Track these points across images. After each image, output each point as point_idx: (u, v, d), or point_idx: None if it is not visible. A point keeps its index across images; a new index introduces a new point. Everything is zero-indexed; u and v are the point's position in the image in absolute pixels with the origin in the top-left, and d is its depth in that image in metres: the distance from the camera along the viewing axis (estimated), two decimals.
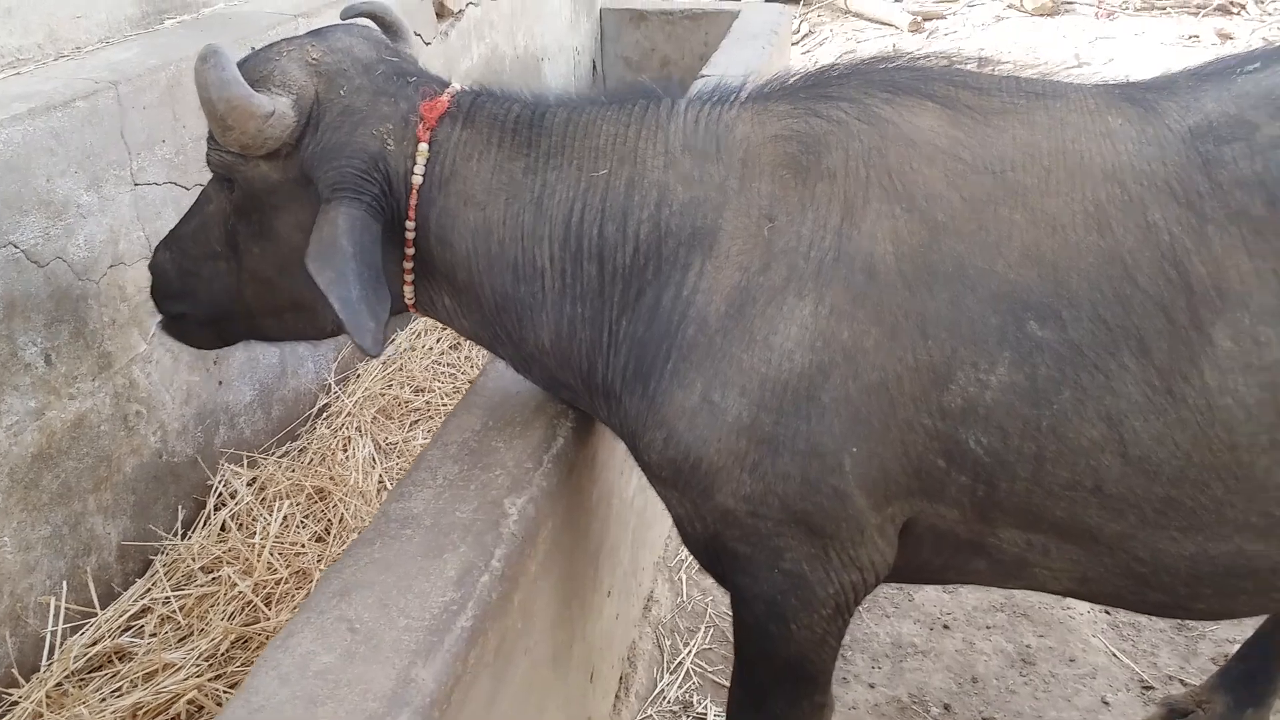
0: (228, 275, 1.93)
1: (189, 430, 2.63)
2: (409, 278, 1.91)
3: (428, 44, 3.82)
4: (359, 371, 3.40)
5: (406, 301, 1.96)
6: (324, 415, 3.21)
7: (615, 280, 1.85)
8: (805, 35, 10.46)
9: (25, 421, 2.08)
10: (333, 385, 3.29)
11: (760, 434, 1.77)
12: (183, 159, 2.33)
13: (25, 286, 2.05)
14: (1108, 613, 3.31)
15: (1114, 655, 3.11)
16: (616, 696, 2.84)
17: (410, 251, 1.88)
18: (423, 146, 1.81)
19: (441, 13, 3.95)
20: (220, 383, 2.74)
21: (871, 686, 3.01)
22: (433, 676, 1.44)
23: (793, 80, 1.87)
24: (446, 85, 1.91)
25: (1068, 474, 1.75)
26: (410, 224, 1.84)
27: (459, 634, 1.52)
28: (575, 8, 5.58)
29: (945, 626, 3.22)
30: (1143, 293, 1.66)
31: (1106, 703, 2.94)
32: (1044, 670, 3.05)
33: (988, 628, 3.21)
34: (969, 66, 1.89)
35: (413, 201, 1.82)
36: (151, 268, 1.97)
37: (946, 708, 2.93)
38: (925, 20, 10.04)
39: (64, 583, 2.25)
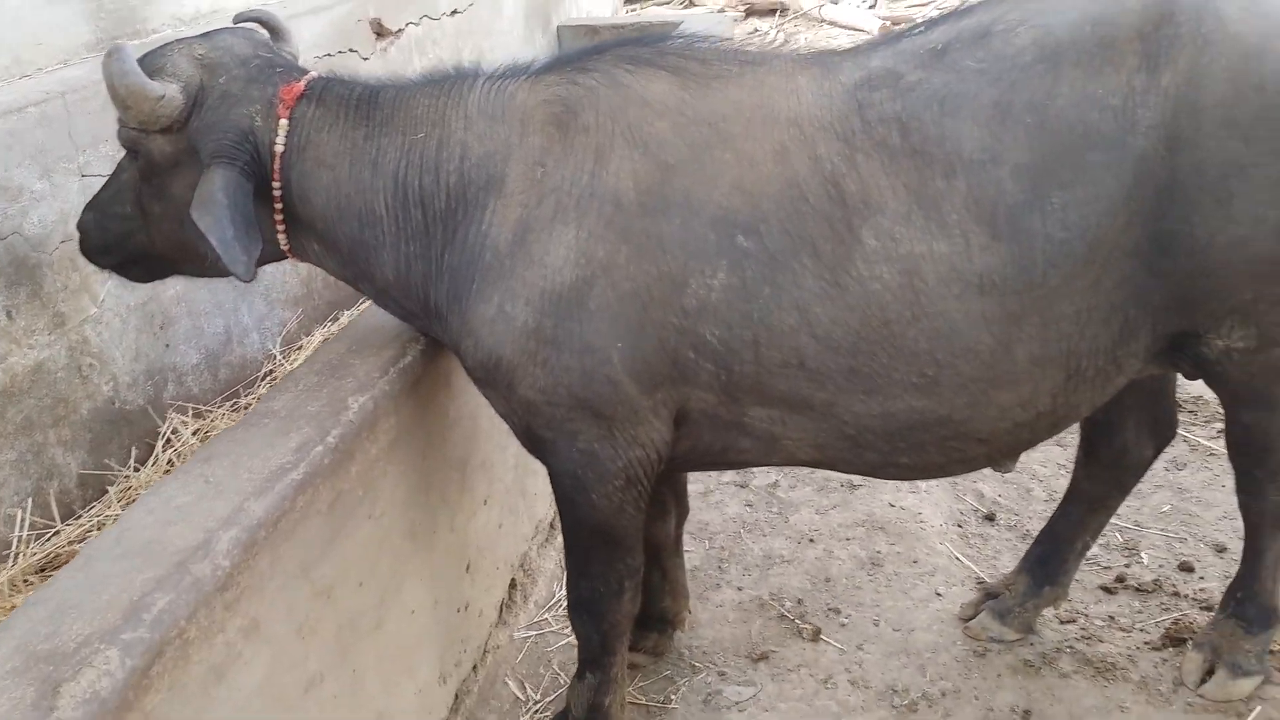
0: (139, 229, 2.46)
1: (139, 383, 3.17)
2: (281, 229, 2.43)
3: (365, 59, 4.35)
4: (301, 344, 3.93)
5: (284, 249, 2.48)
6: (269, 378, 3.74)
7: (436, 222, 2.35)
8: (781, 45, 10.93)
9: None
10: (277, 355, 3.82)
11: (544, 335, 2.26)
12: (122, 154, 2.87)
13: None
14: (959, 525, 3.74)
15: (956, 559, 3.54)
16: (509, 598, 3.33)
17: (279, 207, 2.39)
18: (283, 122, 2.32)
19: (381, 32, 4.48)
20: (167, 345, 3.27)
21: (739, 589, 3.48)
22: (261, 508, 1.95)
23: (563, 58, 2.38)
24: (306, 74, 2.42)
25: (779, 354, 2.22)
26: (276, 184, 2.35)
27: (289, 483, 2.03)
28: (529, 24, 6.11)
29: (810, 540, 3.68)
30: (812, 208, 2.14)
31: (939, 594, 3.38)
32: (889, 570, 3.50)
33: (847, 539, 3.66)
34: (702, 44, 2.38)
35: (277, 166, 2.33)
36: (79, 226, 2.51)
37: (799, 602, 3.38)
38: (895, 25, 10.47)
39: (30, 500, 2.79)
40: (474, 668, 3.06)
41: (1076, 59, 2.08)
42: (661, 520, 3.03)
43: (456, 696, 2.90)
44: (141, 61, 2.28)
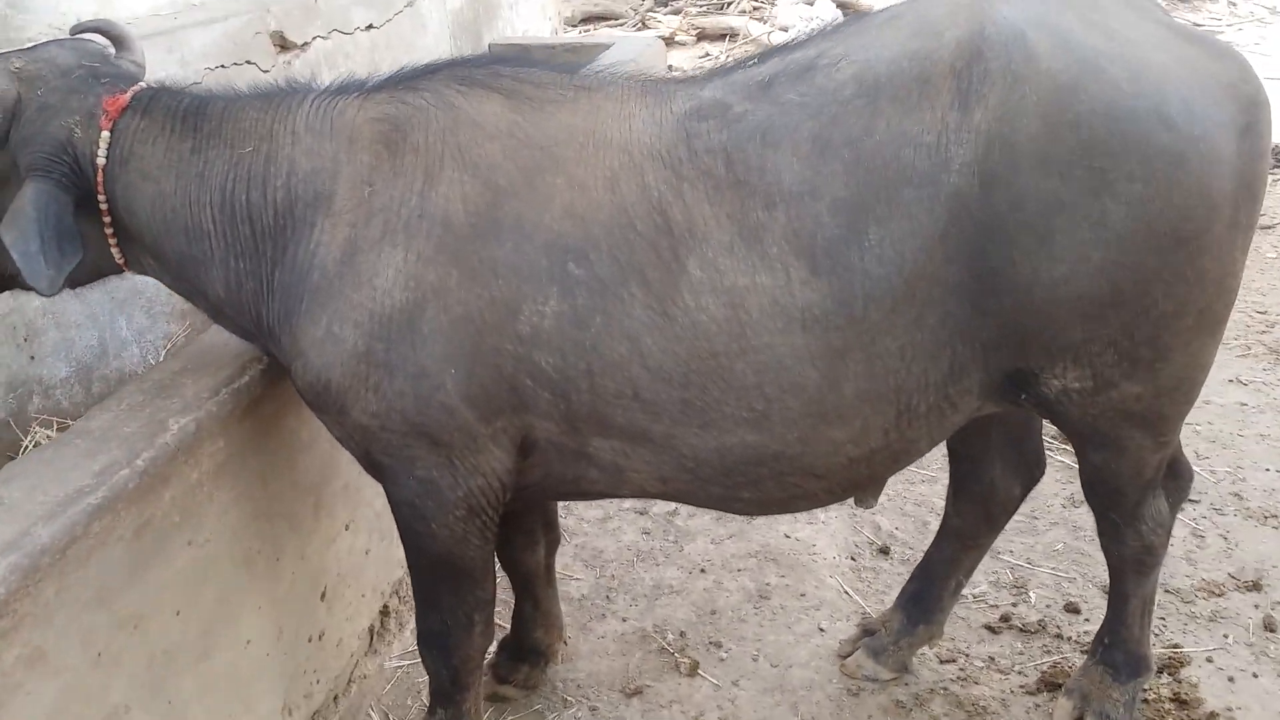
0: None
1: (0, 397, 3.07)
2: (113, 242, 2.34)
3: (265, 73, 4.27)
4: None
5: (119, 262, 2.39)
6: None
7: (265, 238, 2.28)
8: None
9: None
10: None
11: (375, 359, 2.18)
12: None
13: None
14: (853, 558, 3.68)
15: (845, 593, 3.48)
16: (381, 625, 3.23)
17: (107, 220, 2.30)
18: (105, 134, 2.24)
19: (284, 45, 4.41)
20: (32, 358, 3.17)
21: (624, 620, 3.40)
22: (49, 533, 1.86)
23: (395, 76, 2.31)
24: (135, 84, 2.35)
25: (613, 384, 2.16)
26: (101, 197, 2.27)
27: (84, 507, 1.94)
28: (456, 42, 6.06)
29: (702, 570, 3.61)
30: (640, 236, 2.08)
31: (822, 629, 3.31)
32: (775, 603, 3.43)
33: (738, 570, 3.59)
34: (537, 68, 2.32)
35: (99, 179, 2.25)
36: None
37: (682, 634, 3.31)
38: None
39: None
40: (335, 698, 2.97)
41: (894, 95, 2.03)
42: (530, 549, 2.96)
43: None
44: None
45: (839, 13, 11.03)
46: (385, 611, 3.25)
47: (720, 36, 11.07)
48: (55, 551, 1.87)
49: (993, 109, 1.97)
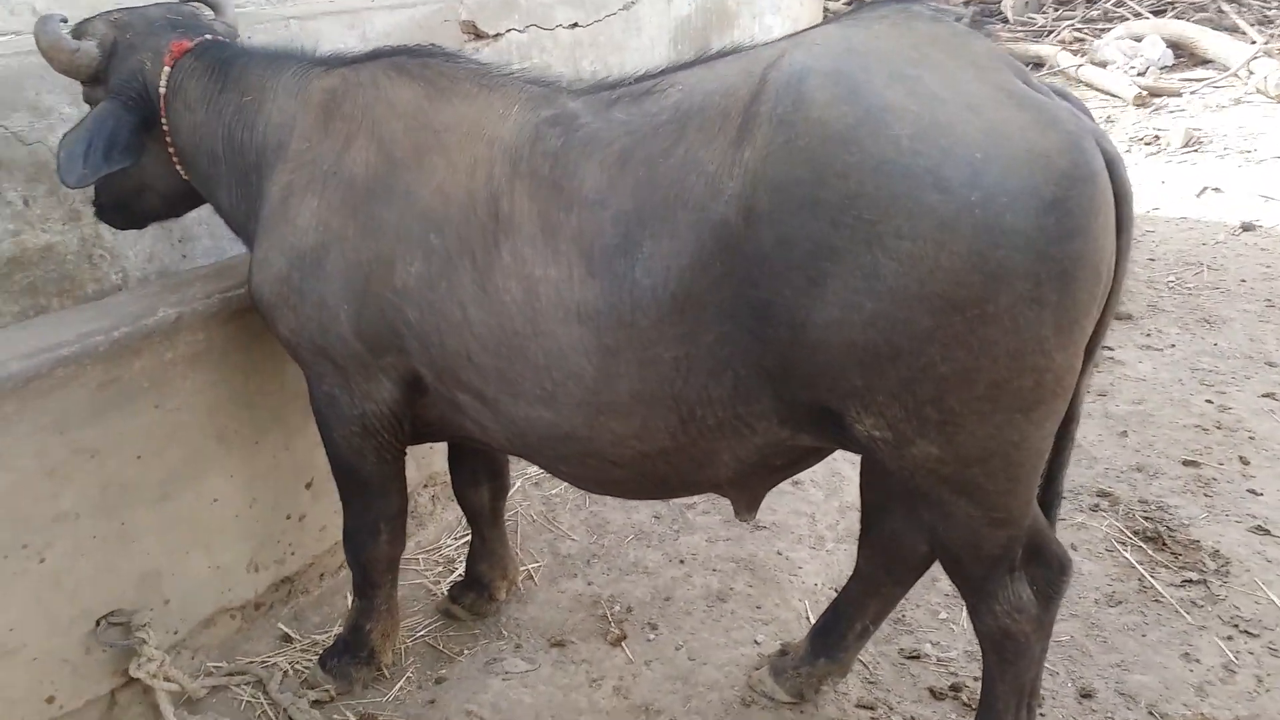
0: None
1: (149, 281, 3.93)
2: (175, 160, 2.99)
3: None
4: None
5: (184, 177, 3.03)
6: None
7: (250, 171, 2.82)
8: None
9: (4, 237, 3.44)
10: None
11: (293, 285, 2.65)
12: None
13: (13, 155, 3.41)
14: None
15: (805, 618, 3.47)
16: None
17: (169, 140, 2.95)
18: (166, 69, 2.86)
19: (476, 34, 5.00)
20: (184, 256, 4.02)
21: (589, 584, 3.66)
22: (17, 367, 2.53)
23: (354, 56, 2.74)
24: (208, 35, 2.96)
25: (454, 344, 2.46)
26: (163, 120, 2.91)
27: (54, 356, 2.60)
28: (677, 48, 6.36)
29: (681, 561, 3.76)
30: (477, 219, 2.36)
31: (758, 643, 3.36)
32: (729, 608, 3.51)
33: (714, 570, 3.70)
34: (464, 64, 2.64)
35: (162, 105, 2.89)
36: None
37: (629, 610, 3.50)
38: (1153, 96, 9.56)
39: None
40: (320, 576, 3.52)
41: (700, 124, 2.11)
42: (474, 488, 3.32)
43: (277, 590, 3.38)
44: (73, 27, 2.92)
45: (1167, 51, 10.00)
46: None
47: (1026, 64, 10.42)
48: (19, 380, 2.53)
49: (758, 149, 2.00)
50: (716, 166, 2.05)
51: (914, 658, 3.28)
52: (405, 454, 2.91)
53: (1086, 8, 12.52)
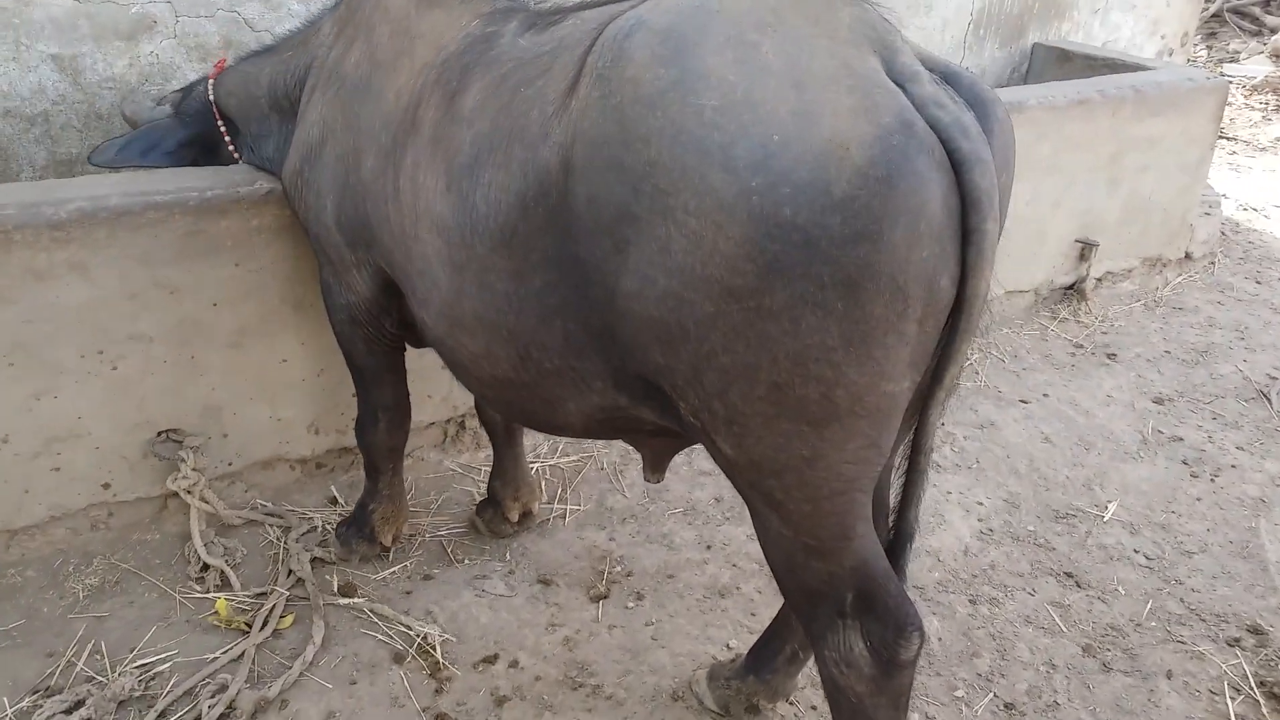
0: None
1: None
2: (226, 138, 3.40)
3: None
4: None
5: (236, 157, 3.42)
6: None
7: (292, 112, 3.12)
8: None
9: None
10: None
11: (302, 176, 2.93)
12: None
13: (241, 37, 4.00)
14: None
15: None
16: (455, 434, 4.01)
17: (221, 127, 3.38)
18: (210, 82, 3.36)
19: None
20: None
21: (611, 539, 3.65)
22: (115, 202, 3.03)
23: None
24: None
25: (386, 240, 2.57)
26: (218, 120, 3.37)
27: (148, 200, 3.07)
28: (980, 35, 5.89)
29: (709, 547, 3.64)
30: (406, 121, 2.48)
31: (730, 647, 3.19)
32: (722, 604, 3.38)
33: (735, 566, 3.55)
34: None
35: (214, 109, 3.36)
36: None
37: (630, 574, 3.47)
38: None
39: None
40: None
41: (565, 60, 2.02)
42: (483, 407, 3.47)
43: (339, 456, 3.75)
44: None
45: None
46: (461, 425, 3.99)
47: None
48: (113, 212, 3.03)
49: (580, 100, 1.89)
50: (552, 110, 1.99)
51: None
52: (401, 349, 3.09)
53: None
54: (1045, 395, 4.77)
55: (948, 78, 1.82)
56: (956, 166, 1.69)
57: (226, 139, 3.40)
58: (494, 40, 2.33)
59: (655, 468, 2.57)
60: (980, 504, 3.99)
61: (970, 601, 3.47)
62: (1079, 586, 3.58)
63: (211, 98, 3.38)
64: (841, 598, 2.06)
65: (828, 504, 1.92)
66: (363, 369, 3.12)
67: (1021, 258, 5.15)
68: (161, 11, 3.83)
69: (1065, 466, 4.25)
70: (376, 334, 2.98)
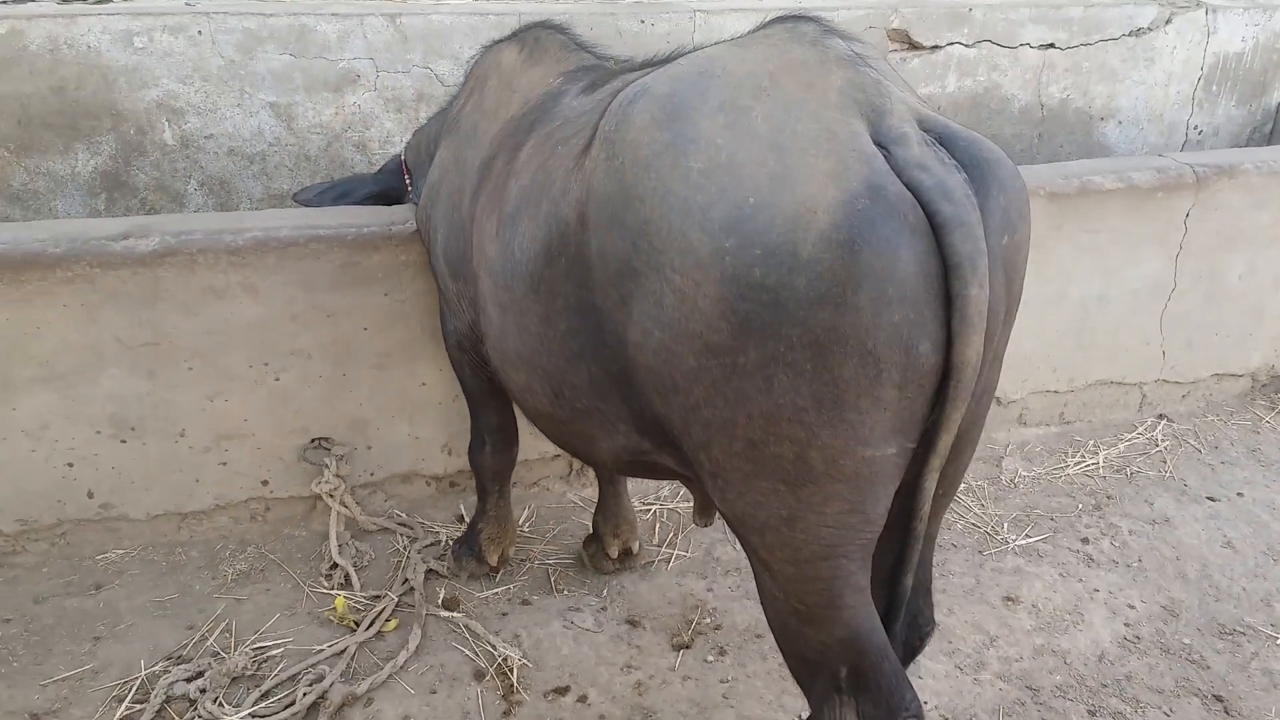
0: None
1: None
2: (409, 188, 3.74)
3: None
4: None
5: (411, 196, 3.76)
6: None
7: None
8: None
9: None
10: None
11: (426, 213, 3.23)
12: None
13: (432, 91, 4.42)
14: (941, 713, 3.14)
15: None
16: (581, 466, 4.15)
17: (407, 180, 3.72)
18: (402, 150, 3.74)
19: (910, 44, 4.86)
20: None
21: (709, 590, 3.66)
22: (285, 234, 3.46)
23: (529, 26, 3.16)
24: None
25: (472, 266, 2.77)
26: (407, 178, 3.72)
27: (312, 234, 3.47)
28: (1213, 91, 5.38)
29: (749, 597, 3.55)
30: (484, 166, 2.70)
31: (800, 718, 3.10)
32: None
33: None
34: (564, 37, 2.94)
35: (405, 169, 3.71)
36: None
37: (717, 627, 3.47)
38: None
39: None
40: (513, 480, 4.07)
41: (590, 121, 2.16)
42: None
43: (469, 475, 4.02)
44: None
45: None
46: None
47: None
48: (283, 242, 3.45)
49: (591, 160, 2.01)
50: (572, 166, 2.12)
51: None
52: None
53: None
54: (1239, 494, 4.25)
55: (943, 139, 1.78)
56: (936, 230, 1.66)
57: (409, 187, 3.76)
58: (559, 98, 2.51)
59: (702, 511, 2.61)
60: (1132, 607, 3.64)
61: (1089, 713, 3.17)
62: (1227, 714, 3.18)
63: (404, 157, 3.79)
64: (835, 671, 2.02)
65: (810, 568, 1.92)
66: (471, 393, 3.35)
67: (1234, 338, 4.64)
68: (364, 67, 4.31)
69: (1244, 577, 3.78)
70: (479, 361, 3.20)
